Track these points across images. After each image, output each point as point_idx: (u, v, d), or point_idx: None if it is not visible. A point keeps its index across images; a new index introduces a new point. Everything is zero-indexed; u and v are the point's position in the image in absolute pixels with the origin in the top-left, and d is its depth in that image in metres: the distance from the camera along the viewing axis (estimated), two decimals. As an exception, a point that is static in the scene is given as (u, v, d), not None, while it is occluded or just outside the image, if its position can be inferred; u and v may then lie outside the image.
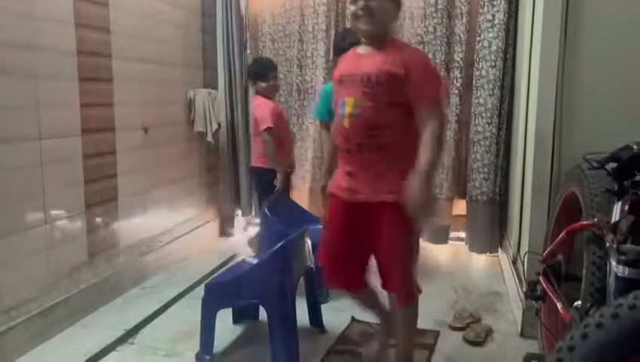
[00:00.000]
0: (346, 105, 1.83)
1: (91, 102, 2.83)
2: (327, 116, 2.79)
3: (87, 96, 2.78)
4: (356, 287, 2.08)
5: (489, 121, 3.59)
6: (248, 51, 4.14)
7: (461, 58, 3.67)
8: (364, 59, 1.84)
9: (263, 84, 3.29)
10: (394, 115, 1.79)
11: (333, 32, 3.96)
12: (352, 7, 1.83)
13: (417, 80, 1.74)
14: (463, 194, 3.84)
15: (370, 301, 2.18)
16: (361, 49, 1.89)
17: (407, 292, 1.94)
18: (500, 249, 3.73)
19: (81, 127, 2.75)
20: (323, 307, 2.71)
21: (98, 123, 2.90)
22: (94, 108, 2.86)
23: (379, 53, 1.80)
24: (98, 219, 2.93)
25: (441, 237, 3.87)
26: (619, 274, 1.33)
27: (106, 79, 2.97)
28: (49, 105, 2.53)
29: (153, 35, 3.42)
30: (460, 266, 3.67)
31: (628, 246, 1.35)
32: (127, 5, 3.13)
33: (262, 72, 3.31)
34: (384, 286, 1.98)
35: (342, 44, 2.82)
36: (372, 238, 1.89)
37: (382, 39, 1.83)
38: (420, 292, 2.00)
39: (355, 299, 2.20)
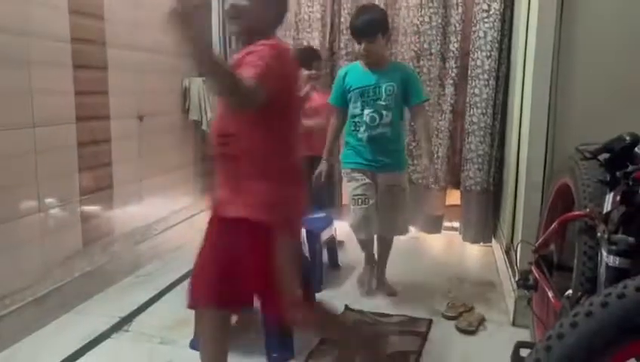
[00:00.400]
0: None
1: (86, 90, 2.81)
2: (339, 101, 2.79)
3: (81, 84, 2.77)
4: (222, 305, 1.76)
5: (484, 111, 3.59)
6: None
7: (456, 48, 3.67)
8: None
9: (305, 72, 3.31)
10: (242, 123, 1.60)
11: (329, 21, 3.95)
12: (226, 7, 1.70)
13: (245, 64, 1.54)
14: (456, 184, 3.86)
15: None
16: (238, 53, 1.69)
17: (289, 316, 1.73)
18: (493, 239, 3.75)
19: (75, 115, 2.74)
20: (317, 295, 2.72)
21: (93, 111, 2.89)
22: (89, 96, 2.85)
23: (242, 57, 1.60)
24: (93, 208, 2.92)
25: (435, 226, 3.89)
26: (610, 264, 1.34)
27: (100, 67, 2.95)
28: (43, 93, 2.52)
29: (148, 22, 3.39)
30: (453, 256, 3.70)
31: (619, 236, 1.36)
32: (122, -8, 3.11)
33: (305, 61, 3.32)
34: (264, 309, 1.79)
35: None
36: (234, 257, 1.69)
37: (251, 41, 1.63)
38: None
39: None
